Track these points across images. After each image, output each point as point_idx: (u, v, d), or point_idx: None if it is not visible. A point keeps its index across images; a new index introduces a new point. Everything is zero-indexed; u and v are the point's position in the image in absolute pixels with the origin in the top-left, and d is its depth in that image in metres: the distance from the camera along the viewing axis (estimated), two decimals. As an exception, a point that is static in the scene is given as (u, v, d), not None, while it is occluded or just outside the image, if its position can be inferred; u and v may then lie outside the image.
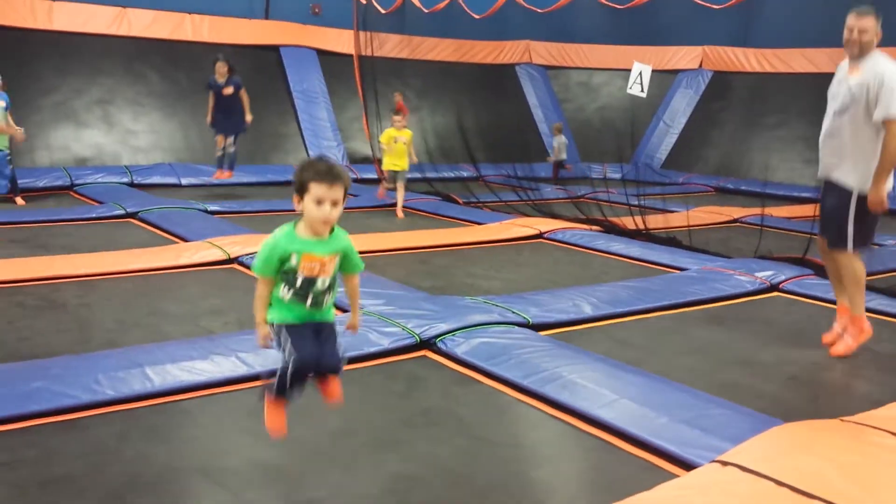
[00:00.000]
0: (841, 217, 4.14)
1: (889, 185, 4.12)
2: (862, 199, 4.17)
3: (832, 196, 4.26)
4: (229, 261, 6.67)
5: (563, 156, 15.06)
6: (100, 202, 9.38)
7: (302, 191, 2.83)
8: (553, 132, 15.42)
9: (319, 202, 2.80)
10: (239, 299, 5.67)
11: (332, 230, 2.92)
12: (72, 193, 10.32)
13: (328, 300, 3.01)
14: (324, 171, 2.81)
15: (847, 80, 4.22)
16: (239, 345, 4.29)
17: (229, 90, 10.40)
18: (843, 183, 4.13)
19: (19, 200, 9.35)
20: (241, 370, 4.05)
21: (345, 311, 4.27)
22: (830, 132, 4.30)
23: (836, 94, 4.31)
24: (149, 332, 4.91)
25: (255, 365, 4.07)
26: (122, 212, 8.68)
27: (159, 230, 8.00)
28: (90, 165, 11.66)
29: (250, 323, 4.92)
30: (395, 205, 10.10)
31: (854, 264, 4.15)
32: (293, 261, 2.88)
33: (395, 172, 10.09)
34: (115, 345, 4.58)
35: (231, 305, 5.55)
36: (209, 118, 10.74)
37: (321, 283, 2.93)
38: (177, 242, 7.44)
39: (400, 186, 10.08)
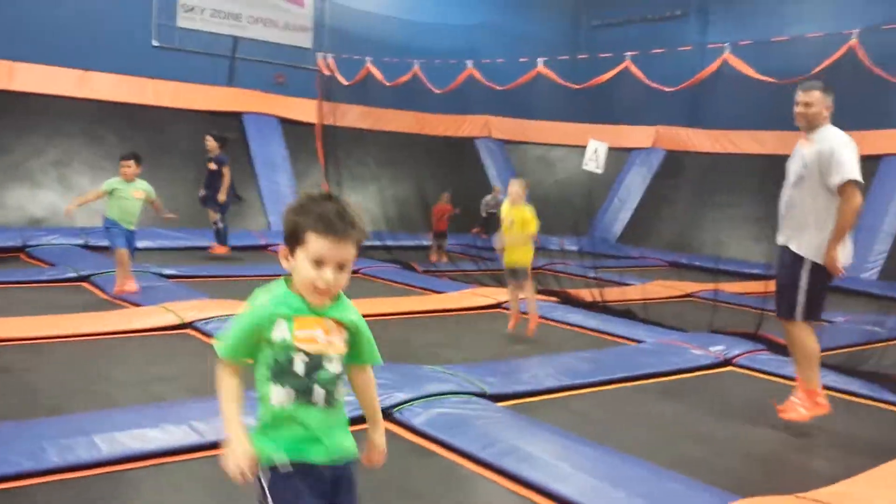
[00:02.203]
0: (792, 286, 4.20)
1: (848, 255, 4.21)
2: (815, 269, 4.24)
3: (785, 265, 4.34)
4: (183, 326, 6.55)
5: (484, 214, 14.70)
6: (52, 264, 9.20)
7: (295, 241, 1.97)
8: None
9: (319, 263, 1.95)
10: (192, 365, 5.56)
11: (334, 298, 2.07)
12: (22, 256, 10.09)
13: (340, 394, 2.09)
14: (332, 217, 1.93)
15: (801, 151, 4.37)
16: (190, 412, 4.19)
17: (212, 166, 10.81)
18: (798, 251, 4.21)
19: None
20: (193, 438, 3.95)
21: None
22: (787, 203, 4.43)
23: (792, 167, 4.46)
24: (96, 398, 4.77)
25: (207, 433, 3.97)
26: (74, 275, 8.51)
27: (110, 296, 7.83)
28: (45, 226, 11.47)
29: (202, 390, 4.86)
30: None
31: (804, 337, 4.19)
32: (283, 332, 1.98)
33: (512, 271, 7.24)
34: (61, 411, 4.44)
35: (183, 371, 5.43)
36: (200, 190, 11.15)
37: (330, 365, 2.02)
38: (127, 307, 7.30)
39: (524, 288, 7.23)
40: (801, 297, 4.20)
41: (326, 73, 12.91)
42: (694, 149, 16.70)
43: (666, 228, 16.08)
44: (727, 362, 6.52)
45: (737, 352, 6.66)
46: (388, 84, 12.95)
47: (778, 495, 3.70)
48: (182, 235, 11.70)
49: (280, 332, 1.98)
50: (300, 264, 1.97)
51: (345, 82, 12.84)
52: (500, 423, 4.42)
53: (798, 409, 4.51)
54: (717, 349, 6.67)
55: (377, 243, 12.53)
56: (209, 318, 6.51)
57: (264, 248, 12.34)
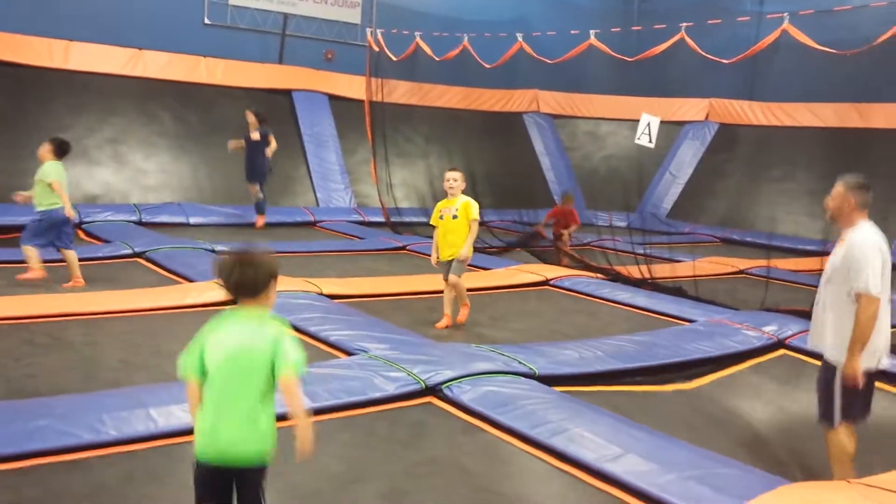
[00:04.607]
0: (828, 392, 3.99)
1: (874, 354, 3.95)
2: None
3: (821, 370, 4.13)
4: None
5: None
6: (107, 241, 9.42)
7: (276, 277, 2.72)
8: None
9: None
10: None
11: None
12: (79, 232, 10.35)
13: None
14: None
15: (835, 249, 4.14)
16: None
17: (256, 136, 11.11)
18: (828, 357, 4.02)
19: None
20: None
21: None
22: (817, 302, 4.21)
23: (828, 262, 4.21)
24: (153, 372, 4.90)
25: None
26: (129, 251, 8.70)
27: (166, 270, 8.01)
28: (99, 203, 11.75)
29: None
30: (401, 248, 9.84)
31: (840, 440, 3.92)
32: None
33: (447, 264, 6.57)
34: (120, 384, 4.58)
35: (236, 347, 5.53)
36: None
37: None
38: (182, 283, 7.45)
39: (452, 286, 6.58)
40: (838, 403, 3.99)
41: (375, 48, 12.88)
42: (748, 122, 16.30)
43: (718, 203, 15.78)
44: (780, 343, 6.40)
45: (790, 332, 6.53)
46: (437, 59, 12.87)
47: (829, 480, 3.65)
48: (233, 211, 11.88)
49: None
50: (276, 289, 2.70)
51: (393, 58, 12.80)
52: (548, 402, 4.42)
53: None
54: (770, 329, 6.55)
55: (424, 220, 12.55)
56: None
57: (313, 224, 12.47)
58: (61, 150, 7.32)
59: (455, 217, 6.44)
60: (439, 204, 6.62)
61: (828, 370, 3.96)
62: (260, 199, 11.49)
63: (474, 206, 6.40)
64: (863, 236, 3.94)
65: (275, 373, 2.48)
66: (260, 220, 11.60)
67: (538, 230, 11.47)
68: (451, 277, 6.47)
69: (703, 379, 5.54)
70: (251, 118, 11.23)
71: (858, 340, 3.79)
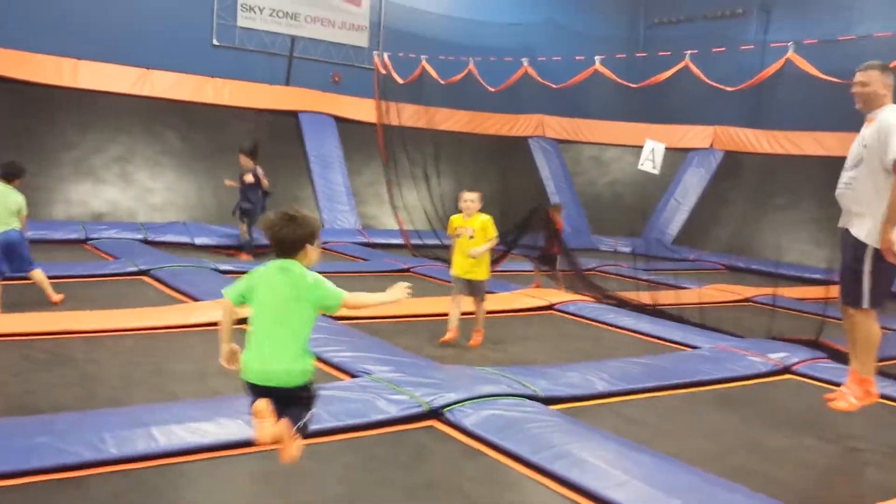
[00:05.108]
0: (857, 272, 4.11)
1: None
2: (878, 255, 4.14)
3: (849, 250, 4.25)
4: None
5: None
6: (114, 257, 9.44)
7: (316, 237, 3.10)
8: None
9: None
10: (247, 361, 5.63)
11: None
12: (85, 246, 10.39)
13: None
14: None
15: (863, 132, 4.31)
16: (245, 407, 4.23)
17: (248, 178, 10.80)
18: (858, 236, 4.13)
19: None
20: (247, 433, 3.99)
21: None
22: (847, 183, 4.33)
23: (853, 149, 4.38)
24: (154, 390, 4.87)
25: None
26: (134, 269, 8.70)
27: (170, 289, 8.00)
28: (106, 221, 11.78)
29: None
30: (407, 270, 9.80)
31: (869, 324, 4.10)
32: None
33: (464, 282, 6.53)
34: (120, 402, 4.54)
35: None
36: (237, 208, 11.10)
37: None
38: (187, 301, 7.44)
39: (475, 303, 6.59)
40: (867, 284, 4.10)
41: (382, 71, 12.96)
42: (753, 150, 16.33)
43: (723, 231, 15.77)
44: (786, 370, 6.36)
45: (796, 359, 6.49)
46: (442, 82, 12.95)
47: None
48: (238, 232, 11.86)
49: None
50: (318, 249, 3.17)
51: (400, 80, 12.87)
52: (552, 426, 4.38)
53: (848, 398, 4.41)
54: (776, 356, 6.51)
55: (438, 243, 12.55)
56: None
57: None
58: (5, 174, 6.91)
59: (472, 237, 6.41)
60: (454, 219, 6.62)
61: (857, 249, 4.05)
62: (246, 241, 10.94)
63: (493, 225, 6.44)
64: (894, 111, 4.08)
65: (313, 310, 3.02)
66: (242, 256, 10.89)
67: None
68: (477, 301, 6.54)
69: (706, 402, 5.50)
70: (243, 160, 10.82)
71: (893, 210, 3.89)
